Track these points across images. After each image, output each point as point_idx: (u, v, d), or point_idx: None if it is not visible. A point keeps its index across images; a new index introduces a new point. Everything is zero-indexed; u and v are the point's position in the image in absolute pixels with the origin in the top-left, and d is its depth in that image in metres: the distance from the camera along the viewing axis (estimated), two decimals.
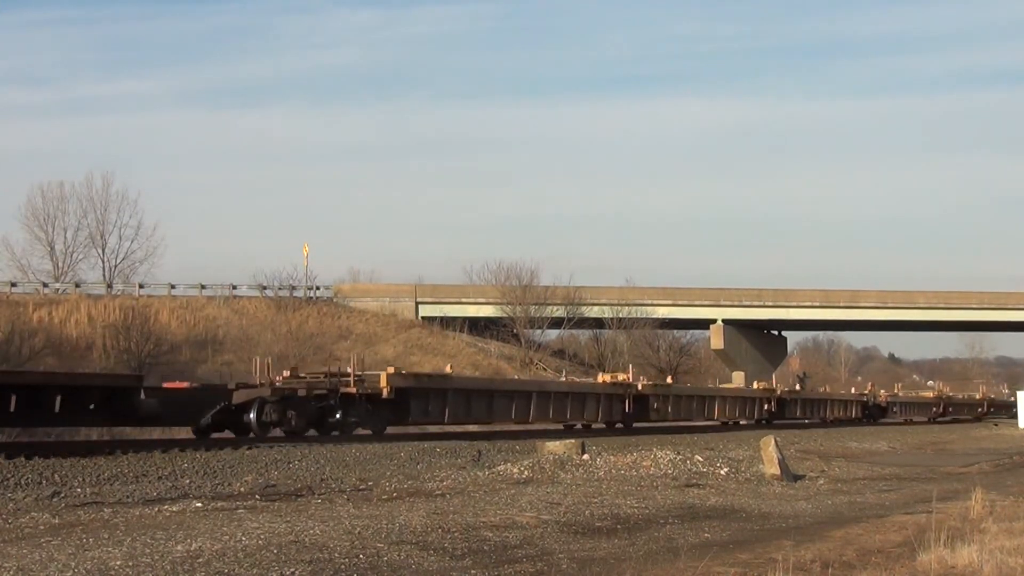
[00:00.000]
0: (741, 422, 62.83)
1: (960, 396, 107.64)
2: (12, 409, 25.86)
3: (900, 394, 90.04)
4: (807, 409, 71.82)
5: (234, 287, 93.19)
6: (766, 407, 64.41)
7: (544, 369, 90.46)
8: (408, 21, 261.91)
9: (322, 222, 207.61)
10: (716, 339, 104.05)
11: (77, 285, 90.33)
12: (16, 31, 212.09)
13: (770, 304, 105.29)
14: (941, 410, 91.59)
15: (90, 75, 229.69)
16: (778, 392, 68.62)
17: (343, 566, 11.92)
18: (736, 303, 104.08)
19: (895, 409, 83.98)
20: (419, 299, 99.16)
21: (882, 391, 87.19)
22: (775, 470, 25.60)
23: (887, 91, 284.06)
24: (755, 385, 67.51)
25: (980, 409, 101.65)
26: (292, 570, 11.53)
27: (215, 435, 31.71)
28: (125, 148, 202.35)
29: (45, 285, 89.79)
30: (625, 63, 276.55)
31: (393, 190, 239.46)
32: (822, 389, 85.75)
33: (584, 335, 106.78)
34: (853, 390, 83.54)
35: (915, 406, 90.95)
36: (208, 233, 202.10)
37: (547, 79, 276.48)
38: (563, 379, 57.46)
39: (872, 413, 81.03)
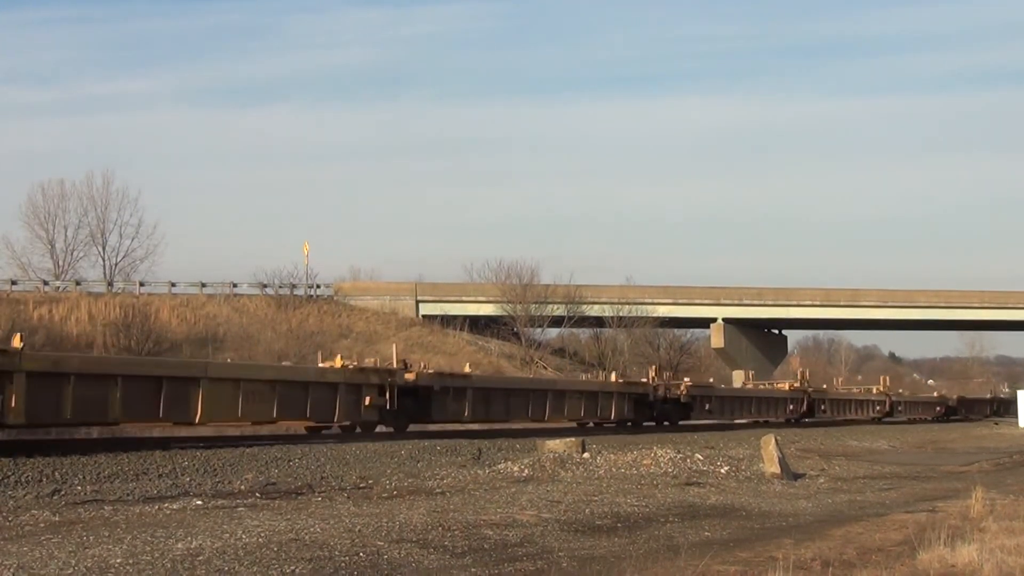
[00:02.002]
0: (771, 420, 64.27)
1: (971, 395, 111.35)
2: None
3: (905, 393, 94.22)
4: (836, 408, 73.09)
5: (235, 285, 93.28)
6: (791, 407, 64.68)
7: (544, 368, 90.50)
8: (412, 20, 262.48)
9: (323, 220, 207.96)
10: (716, 338, 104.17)
11: (77, 283, 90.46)
12: (19, 30, 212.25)
13: (770, 303, 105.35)
14: (952, 408, 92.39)
15: (93, 74, 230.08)
16: (809, 392, 69.95)
17: (343, 564, 11.92)
18: (736, 302, 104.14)
19: (900, 408, 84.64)
20: (420, 297, 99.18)
21: (900, 390, 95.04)
22: (775, 469, 25.60)
23: (888, 91, 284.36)
24: (785, 386, 67.82)
25: (991, 408, 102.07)
26: (292, 568, 11.53)
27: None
28: (126, 146, 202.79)
29: (45, 283, 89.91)
30: (627, 63, 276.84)
31: (394, 188, 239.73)
32: (845, 389, 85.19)
33: (584, 334, 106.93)
34: (875, 389, 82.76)
35: (921, 405, 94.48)
36: (209, 231, 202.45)
37: (549, 78, 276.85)
38: (584, 378, 62.72)
39: (948, 412, 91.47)
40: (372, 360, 37.26)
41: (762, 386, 69.65)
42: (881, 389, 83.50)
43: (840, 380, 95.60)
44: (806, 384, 68.86)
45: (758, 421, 61.81)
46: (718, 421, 56.86)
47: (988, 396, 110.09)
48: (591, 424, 48.20)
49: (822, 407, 69.52)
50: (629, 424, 49.57)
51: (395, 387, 36.05)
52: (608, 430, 46.78)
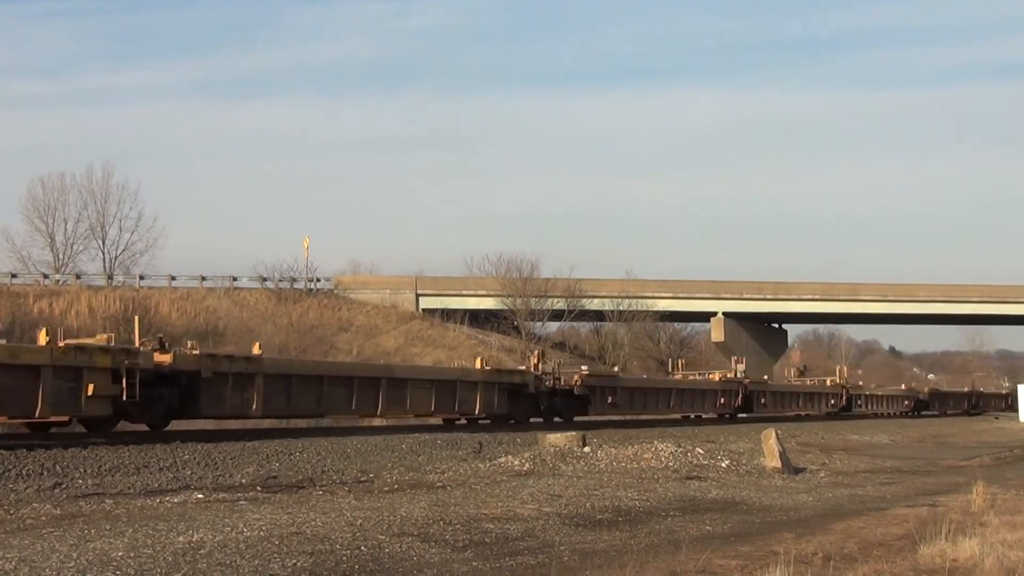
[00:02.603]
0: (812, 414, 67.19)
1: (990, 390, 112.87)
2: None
3: (871, 385, 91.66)
4: (778, 402, 67.16)
5: (235, 279, 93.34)
6: (722, 400, 60.00)
7: (767, 376, 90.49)
8: (414, 13, 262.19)
9: (324, 214, 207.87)
10: (717, 332, 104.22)
11: (77, 276, 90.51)
12: (20, 22, 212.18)
13: (771, 297, 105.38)
14: (923, 402, 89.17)
15: (94, 67, 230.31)
16: (848, 388, 72.27)
17: (345, 558, 11.93)
18: (737, 296, 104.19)
19: (859, 402, 78.44)
20: (419, 291, 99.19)
21: (925, 388, 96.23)
22: (776, 463, 25.63)
23: (889, 86, 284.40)
24: (716, 376, 62.61)
25: (968, 402, 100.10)
26: (294, 562, 11.54)
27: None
28: (127, 140, 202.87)
29: (45, 276, 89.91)
30: (629, 57, 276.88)
31: (395, 182, 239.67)
32: (799, 381, 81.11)
33: (585, 327, 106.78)
34: (829, 381, 77.07)
35: (953, 397, 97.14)
36: (209, 224, 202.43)
37: (550, 72, 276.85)
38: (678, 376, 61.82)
39: (918, 407, 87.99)
40: (104, 336, 29.72)
41: (692, 376, 63.30)
42: (837, 380, 76.56)
43: (794, 371, 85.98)
44: (742, 375, 62.93)
45: (687, 416, 57.04)
46: (627, 417, 50.36)
47: (965, 390, 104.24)
48: (453, 421, 41.79)
49: (762, 400, 62.77)
50: (512, 421, 42.22)
51: (137, 372, 27.88)
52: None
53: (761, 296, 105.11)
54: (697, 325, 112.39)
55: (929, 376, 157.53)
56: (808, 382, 76.49)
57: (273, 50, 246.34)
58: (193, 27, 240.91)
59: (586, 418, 47.27)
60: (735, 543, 14.03)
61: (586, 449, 27.21)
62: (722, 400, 58.78)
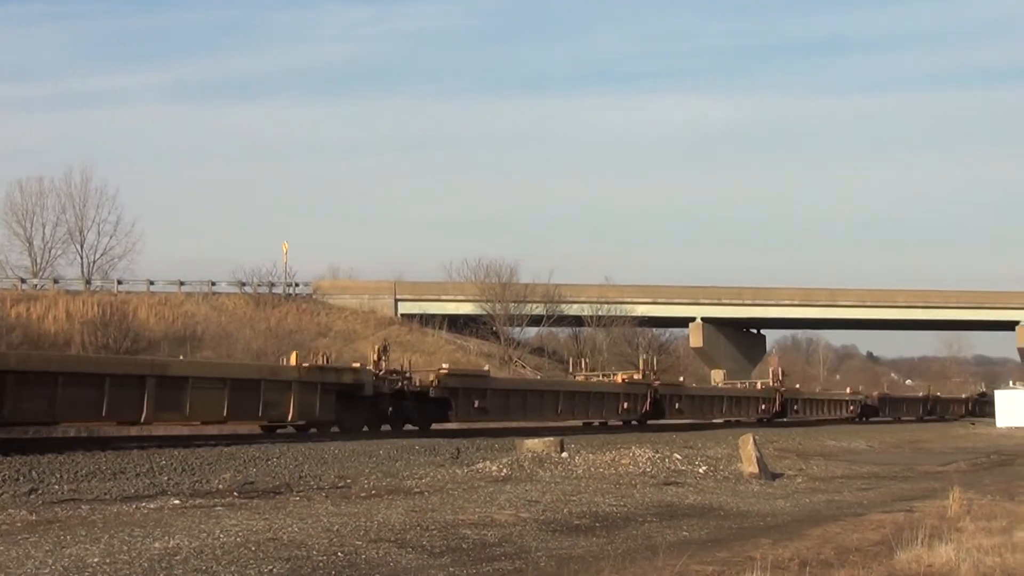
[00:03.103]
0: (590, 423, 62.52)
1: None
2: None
3: (816, 389, 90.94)
4: (695, 407, 60.74)
5: (213, 284, 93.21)
6: (625, 405, 54.46)
7: (523, 367, 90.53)
8: (398, 17, 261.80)
9: (303, 219, 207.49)
10: (695, 337, 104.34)
11: (55, 281, 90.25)
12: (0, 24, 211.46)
13: (749, 302, 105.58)
14: (871, 407, 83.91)
15: (74, 70, 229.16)
16: (782, 392, 69.19)
17: (321, 564, 11.91)
18: (715, 301, 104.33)
19: (795, 407, 70.99)
20: (399, 296, 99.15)
21: (874, 392, 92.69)
22: (753, 468, 25.66)
23: (868, 91, 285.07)
24: (619, 379, 56.46)
25: (924, 408, 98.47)
26: (270, 568, 11.52)
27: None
28: (106, 143, 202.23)
29: (23, 281, 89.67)
30: (608, 61, 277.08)
31: (375, 187, 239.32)
32: (728, 384, 74.60)
33: (563, 333, 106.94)
34: (760, 384, 70.88)
35: (907, 402, 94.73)
36: (188, 229, 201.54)
37: (530, 77, 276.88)
38: (597, 379, 58.15)
39: (866, 412, 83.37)
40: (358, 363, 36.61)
41: (595, 378, 58.25)
42: (771, 383, 69.17)
43: (723, 374, 79.84)
44: (653, 377, 56.13)
45: (590, 424, 51.77)
46: (499, 424, 44.45)
47: (920, 394, 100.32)
48: (272, 429, 36.11)
49: (676, 405, 56.96)
50: (335, 430, 36.52)
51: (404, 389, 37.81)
52: (587, 430, 46.76)
53: (740, 302, 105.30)
54: (676, 331, 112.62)
55: (907, 381, 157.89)
56: (739, 385, 70.46)
57: (253, 54, 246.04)
58: (173, 31, 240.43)
59: (448, 426, 41.57)
60: (712, 549, 14.05)
61: (564, 455, 27.23)
62: (626, 405, 52.42)
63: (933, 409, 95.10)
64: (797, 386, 78.06)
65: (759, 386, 69.55)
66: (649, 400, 53.60)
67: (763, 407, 66.13)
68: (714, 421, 60.60)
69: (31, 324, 75.40)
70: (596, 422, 51.79)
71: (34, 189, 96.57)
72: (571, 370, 63.21)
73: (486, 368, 55.87)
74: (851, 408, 79.60)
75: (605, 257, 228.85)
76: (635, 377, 54.79)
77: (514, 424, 44.73)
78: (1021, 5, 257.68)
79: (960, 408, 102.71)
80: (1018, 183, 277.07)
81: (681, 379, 65.00)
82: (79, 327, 74.20)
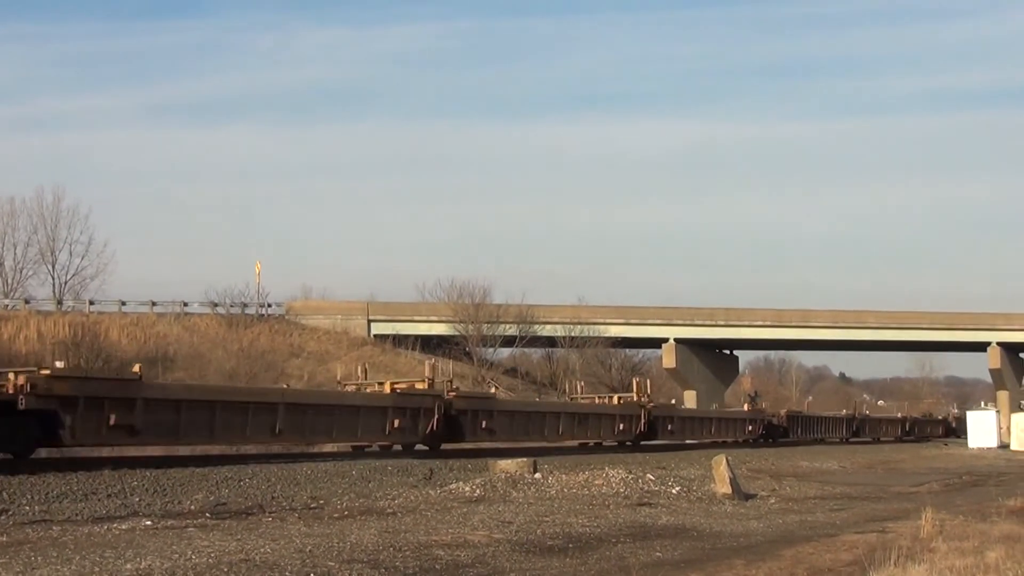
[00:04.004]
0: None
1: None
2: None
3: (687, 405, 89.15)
4: (516, 426, 48.82)
5: (185, 304, 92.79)
6: (751, 428, 63.12)
7: (496, 388, 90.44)
8: (374, 39, 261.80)
9: (276, 239, 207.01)
10: (668, 358, 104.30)
11: (27, 301, 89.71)
12: None
13: (722, 323, 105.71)
14: (779, 428, 73.83)
15: (46, 91, 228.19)
16: (649, 408, 59.07)
17: None
18: (688, 322, 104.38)
19: (670, 426, 58.16)
20: (371, 317, 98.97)
21: (782, 410, 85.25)
22: (727, 489, 25.71)
23: (840, 114, 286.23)
24: (614, 399, 56.09)
25: (848, 428, 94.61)
26: None
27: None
28: (78, 164, 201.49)
29: None
30: (583, 84, 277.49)
31: (347, 207, 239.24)
32: (577, 398, 67.44)
33: (536, 353, 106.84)
34: (616, 399, 63.55)
35: (823, 423, 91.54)
36: (160, 249, 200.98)
37: (505, 99, 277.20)
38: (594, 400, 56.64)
39: (771, 433, 73.83)
40: (422, 383, 40.48)
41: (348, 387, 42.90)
42: (633, 399, 55.10)
43: (580, 386, 59.39)
44: (645, 397, 54.15)
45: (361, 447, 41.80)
46: (506, 444, 43.32)
47: (843, 413, 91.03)
48: (591, 443, 44.91)
49: (668, 426, 55.10)
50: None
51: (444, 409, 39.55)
52: (563, 451, 46.68)
53: (713, 322, 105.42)
54: (649, 351, 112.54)
55: (880, 402, 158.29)
56: (598, 400, 57.04)
57: (227, 76, 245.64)
58: (146, 53, 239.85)
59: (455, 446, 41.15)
60: (685, 569, 14.07)
61: (537, 475, 27.20)
62: (622, 426, 51.24)
63: (859, 430, 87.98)
64: (672, 401, 69.84)
65: (617, 400, 55.41)
66: (644, 421, 52.89)
67: (620, 427, 54.11)
68: (703, 441, 60.41)
69: (2, 345, 74.95)
70: (592, 443, 51.17)
71: (5, 209, 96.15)
72: (565, 391, 61.26)
73: (492, 391, 54.92)
74: (750, 428, 68.54)
75: (578, 278, 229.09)
76: (409, 387, 43.97)
77: (520, 444, 45.26)
78: (992, 29, 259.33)
79: (896, 428, 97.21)
80: (989, 205, 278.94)
81: (673, 401, 65.69)
82: (50, 347, 73.79)
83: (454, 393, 42.27)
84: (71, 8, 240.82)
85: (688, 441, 58.33)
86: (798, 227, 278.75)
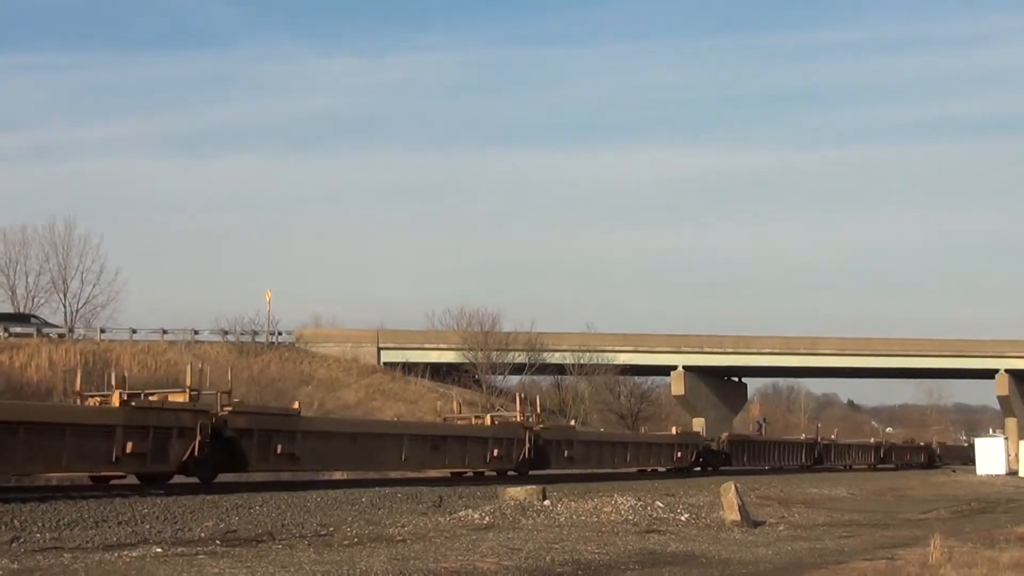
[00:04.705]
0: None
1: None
2: None
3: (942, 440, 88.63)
4: (751, 455, 66.41)
5: (196, 332, 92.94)
6: (679, 455, 58.79)
7: (505, 415, 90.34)
8: (382, 69, 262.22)
9: (286, 267, 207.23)
10: (677, 385, 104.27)
11: (39, 329, 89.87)
12: None
13: (731, 351, 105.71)
14: (719, 454, 70.36)
15: (57, 121, 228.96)
16: (702, 438, 66.44)
17: None
18: (697, 350, 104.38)
19: (569, 451, 50.71)
20: (381, 345, 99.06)
21: (833, 436, 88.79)
22: (735, 516, 25.64)
23: (847, 141, 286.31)
24: (673, 428, 60.49)
25: (807, 455, 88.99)
26: None
27: None
28: (89, 193, 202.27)
29: (6, 330, 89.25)
30: (590, 113, 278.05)
31: (357, 235, 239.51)
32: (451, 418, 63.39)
33: (546, 381, 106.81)
34: (486, 420, 59.15)
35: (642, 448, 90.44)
36: (171, 277, 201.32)
37: (513, 128, 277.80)
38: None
39: (543, 458, 71.70)
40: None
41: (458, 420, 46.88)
42: (516, 418, 47.08)
43: (457, 403, 54.20)
44: (534, 418, 47.76)
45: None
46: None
47: (802, 438, 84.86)
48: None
49: (564, 452, 48.61)
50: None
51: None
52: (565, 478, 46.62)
53: (721, 350, 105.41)
54: (657, 379, 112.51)
55: (887, 429, 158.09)
56: (474, 421, 46.80)
57: (238, 106, 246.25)
58: (157, 83, 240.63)
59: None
60: None
61: (546, 503, 27.18)
62: (496, 451, 43.20)
63: (820, 457, 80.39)
64: (572, 423, 64.45)
65: (485, 421, 45.70)
66: (528, 446, 44.78)
67: (679, 455, 58.90)
68: (616, 471, 52.62)
69: (13, 372, 75.11)
70: (469, 472, 43.81)
71: (17, 238, 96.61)
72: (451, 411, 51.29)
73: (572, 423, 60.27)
74: (679, 455, 59.95)
75: (587, 305, 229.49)
76: (511, 419, 46.55)
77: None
78: (994, 59, 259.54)
79: (857, 456, 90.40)
80: (996, 232, 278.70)
81: (572, 422, 61.27)
82: (62, 375, 73.91)
83: (541, 426, 47.03)
84: (82, 38, 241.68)
85: (596, 471, 51.24)
86: (807, 255, 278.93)
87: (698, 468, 61.77)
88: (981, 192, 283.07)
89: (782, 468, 70.42)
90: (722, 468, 62.62)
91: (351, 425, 42.58)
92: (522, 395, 47.39)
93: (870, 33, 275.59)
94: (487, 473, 43.74)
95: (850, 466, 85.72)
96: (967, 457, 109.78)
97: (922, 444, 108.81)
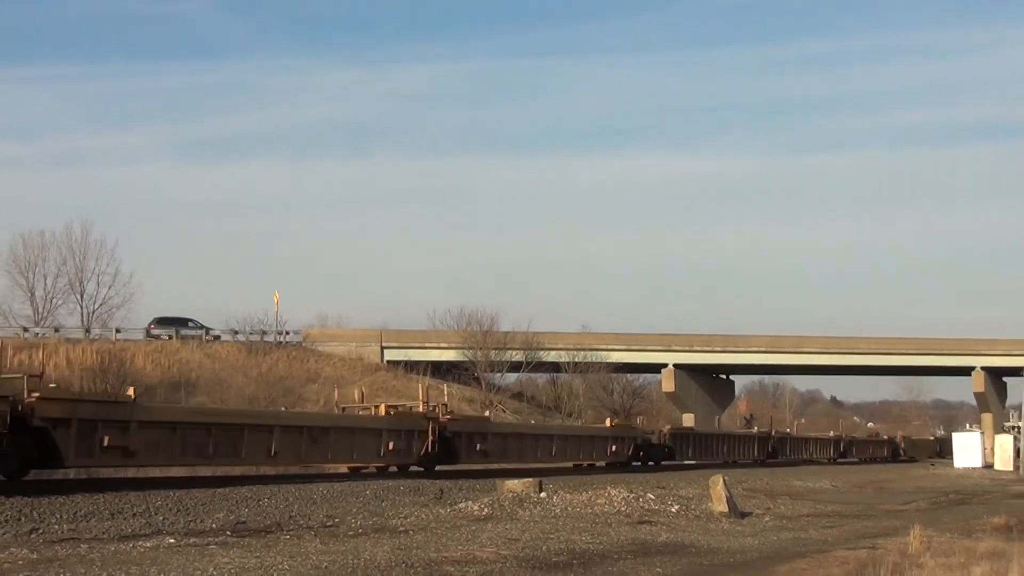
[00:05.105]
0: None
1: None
2: None
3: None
4: (697, 449, 60.00)
5: (207, 331, 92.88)
6: (614, 448, 52.41)
7: (503, 411, 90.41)
8: (386, 79, 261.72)
9: (293, 269, 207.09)
10: (667, 383, 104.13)
11: (56, 330, 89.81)
12: (4, 86, 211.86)
13: (719, 349, 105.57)
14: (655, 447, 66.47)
15: (74, 129, 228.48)
16: (640, 431, 58.53)
17: None
18: (687, 348, 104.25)
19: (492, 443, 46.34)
20: (384, 344, 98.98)
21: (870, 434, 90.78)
22: (723, 507, 25.67)
23: (831, 148, 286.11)
24: (607, 421, 56.52)
25: (762, 450, 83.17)
26: None
27: None
28: (105, 198, 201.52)
29: (25, 329, 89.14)
30: (585, 122, 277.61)
31: (361, 239, 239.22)
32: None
33: (542, 378, 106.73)
34: (377, 409, 54.42)
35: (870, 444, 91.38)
36: (183, 279, 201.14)
37: (511, 134, 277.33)
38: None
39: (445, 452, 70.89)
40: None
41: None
42: (419, 408, 41.44)
43: (361, 392, 46.51)
44: (439, 408, 41.70)
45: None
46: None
47: (754, 431, 78.95)
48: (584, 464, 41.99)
49: (477, 446, 42.80)
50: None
51: None
52: (564, 470, 46.56)
53: (710, 348, 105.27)
54: (649, 376, 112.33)
55: (869, 424, 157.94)
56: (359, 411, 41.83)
57: (248, 115, 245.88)
58: (170, 92, 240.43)
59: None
60: None
61: (542, 495, 27.18)
62: (391, 444, 37.47)
63: (776, 451, 75.03)
64: (666, 428, 61.66)
65: (383, 411, 39.73)
66: (432, 439, 39.30)
67: (613, 448, 52.95)
68: (543, 466, 46.08)
69: (33, 371, 75.03)
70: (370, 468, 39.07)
71: (36, 242, 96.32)
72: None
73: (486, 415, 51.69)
74: (613, 448, 53.43)
75: (582, 306, 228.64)
76: (409, 409, 41.66)
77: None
78: (965, 70, 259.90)
79: (828, 449, 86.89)
80: (973, 235, 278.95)
81: (488, 413, 52.83)
82: (79, 374, 73.90)
83: (448, 417, 41.12)
84: (97, 51, 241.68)
85: (516, 466, 44.52)
86: (793, 257, 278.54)
87: (638, 463, 55.48)
88: (960, 198, 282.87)
89: (735, 463, 65.56)
90: (664, 464, 56.99)
91: (206, 414, 37.06)
92: (426, 383, 41.60)
93: (853, 43, 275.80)
94: (391, 469, 38.65)
95: (812, 458, 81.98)
96: (933, 451, 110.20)
97: (885, 438, 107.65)
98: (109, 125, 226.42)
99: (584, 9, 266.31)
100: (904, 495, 39.27)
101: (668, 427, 62.38)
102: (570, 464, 50.56)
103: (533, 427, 58.54)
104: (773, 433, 77.99)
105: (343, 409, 41.33)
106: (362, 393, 43.94)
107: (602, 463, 52.70)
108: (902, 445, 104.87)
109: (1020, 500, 36.40)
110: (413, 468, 38.84)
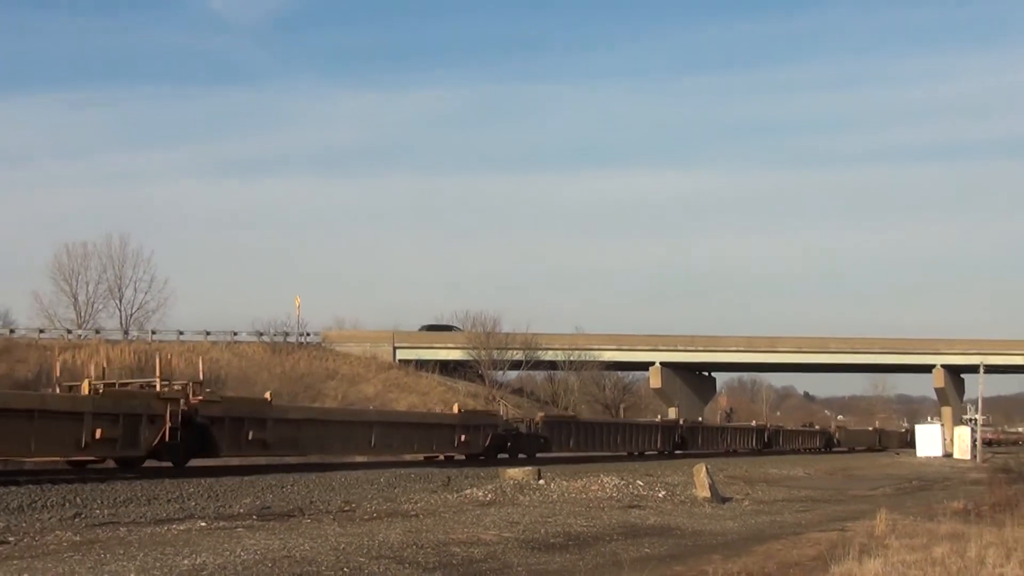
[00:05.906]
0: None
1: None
2: None
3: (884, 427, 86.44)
4: (579, 439, 51.95)
5: (235, 333, 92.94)
6: (464, 437, 42.14)
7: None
8: (401, 102, 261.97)
9: (313, 276, 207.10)
10: (654, 379, 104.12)
11: (97, 332, 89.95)
12: (52, 110, 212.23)
13: (701, 349, 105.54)
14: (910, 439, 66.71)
15: (115, 149, 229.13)
16: (504, 419, 49.85)
17: None
18: (672, 348, 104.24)
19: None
20: (396, 344, 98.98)
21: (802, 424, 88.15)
22: (706, 493, 25.66)
23: (803, 165, 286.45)
24: (658, 418, 53.75)
25: (671, 440, 73.54)
26: None
27: None
28: (142, 212, 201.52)
29: (69, 332, 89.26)
30: (580, 141, 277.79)
31: (375, 249, 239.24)
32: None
33: (540, 375, 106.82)
34: (754, 422, 57.01)
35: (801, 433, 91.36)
36: (213, 285, 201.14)
37: (512, 153, 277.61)
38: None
39: (771, 442, 76.77)
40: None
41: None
42: (158, 387, 30.65)
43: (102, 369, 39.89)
44: (187, 388, 31.72)
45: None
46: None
47: (657, 420, 68.50)
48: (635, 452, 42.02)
49: (250, 434, 31.37)
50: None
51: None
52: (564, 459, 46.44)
53: (693, 348, 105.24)
54: (637, 373, 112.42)
55: (839, 417, 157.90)
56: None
57: (272, 135, 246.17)
58: (201, 114, 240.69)
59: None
60: (671, 563, 14.03)
61: (541, 482, 27.21)
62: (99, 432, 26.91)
63: (684, 441, 64.97)
64: (267, 396, 36.74)
65: (86, 388, 29.14)
66: (169, 426, 28.49)
67: (463, 438, 42.93)
68: (352, 460, 38.81)
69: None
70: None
71: (79, 252, 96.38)
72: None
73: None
74: (462, 439, 43.06)
75: (576, 309, 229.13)
76: (127, 387, 33.00)
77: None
78: (929, 93, 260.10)
79: (750, 439, 78.90)
80: (935, 245, 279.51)
81: (268, 395, 35.80)
82: (118, 372, 73.89)
83: (200, 397, 30.79)
84: (136, 77, 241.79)
85: (331, 460, 36.97)
86: (768, 265, 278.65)
87: (505, 455, 45.77)
88: (922, 209, 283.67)
89: (631, 454, 57.25)
90: (539, 456, 47.03)
91: (322, 413, 39.97)
92: (160, 357, 34.09)
93: (826, 70, 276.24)
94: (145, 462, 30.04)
95: (733, 449, 72.62)
96: (904, 441, 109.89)
97: (818, 428, 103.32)
98: (145, 145, 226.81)
99: (578, 39, 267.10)
100: (871, 481, 39.24)
101: (541, 415, 52.84)
102: (404, 457, 41.35)
103: (343, 412, 47.96)
104: (681, 423, 68.29)
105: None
106: (104, 368, 37.00)
107: (449, 456, 43.17)
108: (836, 436, 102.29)
109: (977, 486, 36.35)
110: (149, 463, 29.68)
